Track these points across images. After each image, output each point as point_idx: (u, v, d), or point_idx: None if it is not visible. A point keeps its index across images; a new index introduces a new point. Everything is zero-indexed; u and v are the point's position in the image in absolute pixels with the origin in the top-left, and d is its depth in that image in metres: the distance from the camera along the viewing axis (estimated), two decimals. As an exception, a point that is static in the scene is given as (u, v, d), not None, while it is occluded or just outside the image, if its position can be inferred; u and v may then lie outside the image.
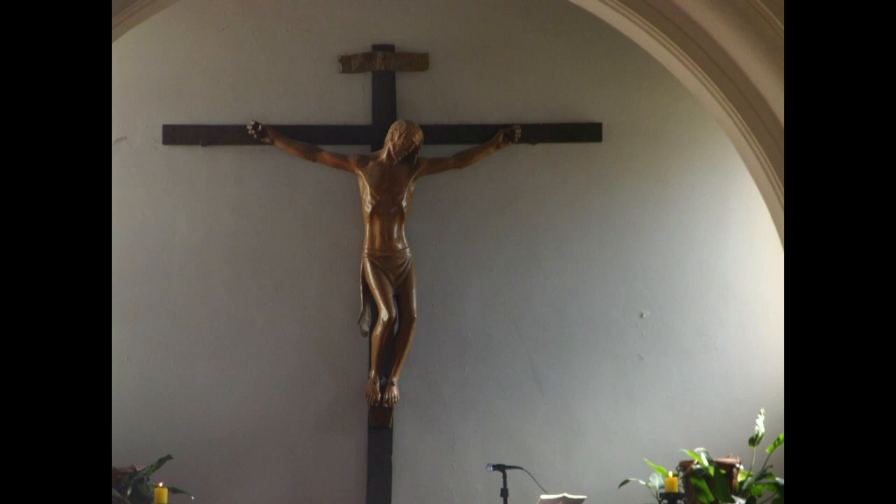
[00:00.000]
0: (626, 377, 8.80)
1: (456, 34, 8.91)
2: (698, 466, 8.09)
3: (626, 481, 8.21)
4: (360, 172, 8.67)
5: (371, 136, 8.80)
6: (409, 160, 8.66)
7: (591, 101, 8.90)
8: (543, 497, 7.74)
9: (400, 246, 8.63)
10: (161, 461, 8.17)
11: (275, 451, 8.67)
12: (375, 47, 8.86)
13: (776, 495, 8.08)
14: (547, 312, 8.83)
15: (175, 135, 8.80)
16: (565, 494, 7.74)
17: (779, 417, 8.27)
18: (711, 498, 8.02)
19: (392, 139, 8.60)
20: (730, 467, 8.09)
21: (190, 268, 8.76)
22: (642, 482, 8.23)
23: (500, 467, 7.53)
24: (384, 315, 8.52)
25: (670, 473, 8.10)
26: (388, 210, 8.59)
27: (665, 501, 8.06)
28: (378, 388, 8.57)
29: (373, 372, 8.60)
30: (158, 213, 8.77)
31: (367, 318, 8.66)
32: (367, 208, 8.61)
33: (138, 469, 8.09)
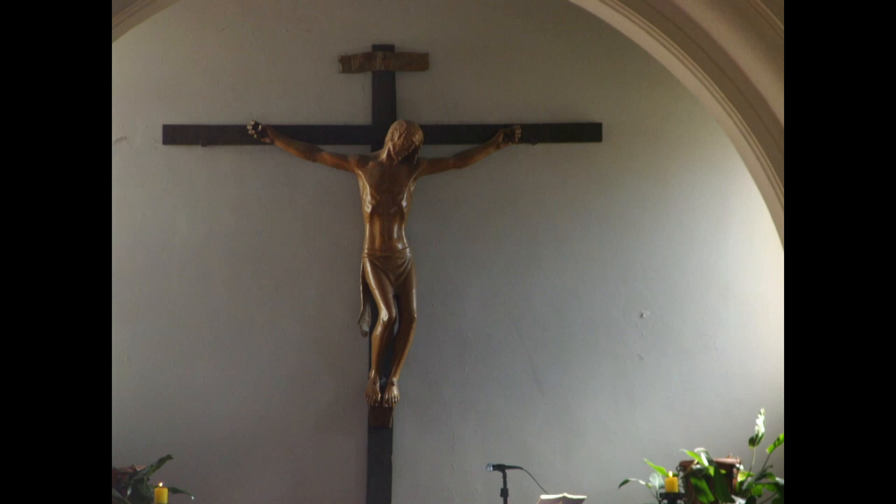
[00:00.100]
0: (626, 377, 8.80)
1: (456, 34, 8.91)
2: (698, 466, 8.08)
3: (626, 481, 8.21)
4: (360, 172, 8.68)
5: (371, 136, 8.80)
6: (409, 160, 8.66)
7: (591, 101, 8.90)
8: (543, 497, 7.74)
9: (400, 246, 8.63)
10: (161, 461, 8.17)
11: (275, 451, 8.67)
12: (375, 47, 8.86)
13: (776, 495, 8.08)
14: (547, 312, 8.83)
15: (175, 135, 8.80)
16: (565, 494, 7.74)
17: (779, 417, 8.27)
18: (711, 498, 8.02)
19: (392, 139, 8.60)
20: (730, 467, 8.09)
21: (190, 268, 8.76)
22: (642, 482, 8.23)
23: (500, 467, 7.53)
24: (384, 315, 8.52)
25: (670, 473, 8.10)
26: (388, 210, 8.59)
27: (665, 501, 8.06)
28: (378, 388, 8.57)
29: (373, 372, 8.60)
30: (158, 213, 8.77)
31: (367, 318, 8.66)
32: (367, 208, 8.61)
33: (138, 469, 8.09)
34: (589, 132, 8.88)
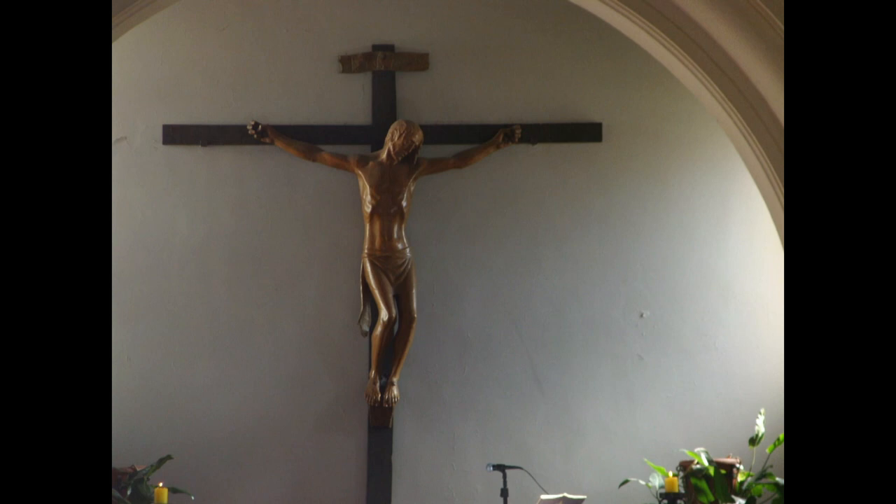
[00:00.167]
0: (626, 377, 8.80)
1: (456, 34, 8.91)
2: (698, 466, 8.08)
3: (626, 481, 8.21)
4: (360, 172, 8.67)
5: (371, 136, 8.80)
6: (409, 160, 8.66)
7: (591, 101, 8.90)
8: (543, 497, 7.74)
9: (400, 246, 8.63)
10: (161, 461, 8.17)
11: (275, 451, 8.67)
12: (375, 47, 8.86)
13: (776, 495, 8.08)
14: (547, 312, 8.83)
15: (175, 135, 8.80)
16: (565, 494, 7.74)
17: (779, 417, 8.27)
18: (711, 498, 8.02)
19: (392, 139, 8.60)
20: (730, 467, 8.09)
21: (190, 268, 8.76)
22: (642, 482, 8.23)
23: (500, 467, 7.53)
24: (384, 315, 8.52)
25: (670, 473, 8.10)
26: (388, 210, 8.59)
27: (665, 501, 8.06)
28: (378, 388, 8.57)
29: (373, 372, 8.60)
30: (158, 213, 8.77)
31: (367, 318, 8.66)
32: (367, 208, 8.61)
33: (138, 469, 8.09)
34: (589, 132, 8.88)
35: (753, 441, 8.26)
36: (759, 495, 8.12)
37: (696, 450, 8.14)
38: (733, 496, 8.02)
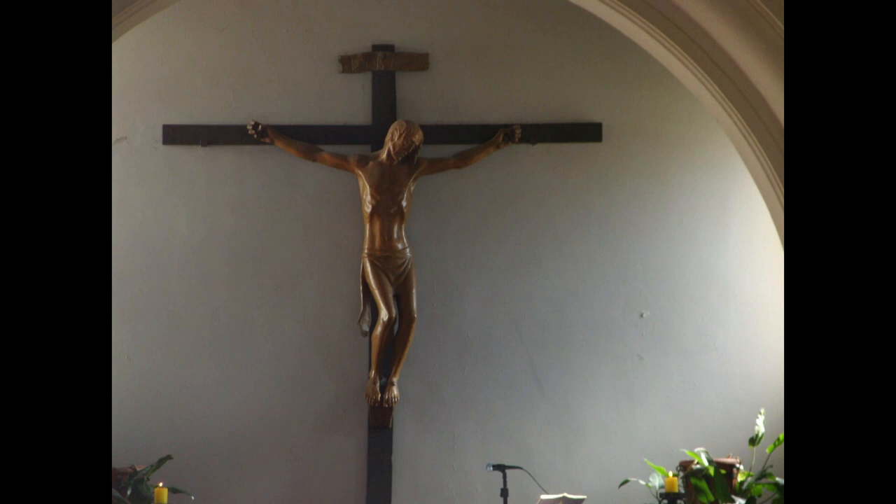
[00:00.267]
0: (626, 377, 8.80)
1: (456, 34, 8.91)
2: (698, 466, 8.08)
3: (626, 481, 8.21)
4: (360, 172, 8.68)
5: (371, 136, 8.80)
6: (409, 160, 8.66)
7: (591, 101, 8.90)
8: (543, 497, 7.74)
9: (400, 246, 8.63)
10: (161, 461, 8.17)
11: (275, 451, 8.67)
12: (375, 47, 8.86)
13: (776, 495, 8.08)
14: (547, 312, 8.83)
15: (175, 135, 8.80)
16: (565, 494, 7.74)
17: (779, 417, 8.26)
18: (711, 498, 8.02)
19: (392, 139, 8.60)
20: (730, 467, 8.09)
21: (190, 268, 8.76)
22: (642, 482, 8.23)
23: (500, 467, 7.53)
24: (384, 315, 8.52)
25: (670, 473, 8.10)
26: (388, 210, 8.59)
27: (665, 501, 8.06)
28: (378, 388, 8.57)
29: (373, 372, 8.60)
30: (158, 213, 8.77)
31: (367, 318, 8.66)
32: (367, 208, 8.61)
33: (138, 469, 8.09)
34: (589, 132, 8.88)
35: (753, 441, 8.26)
36: (759, 495, 8.12)
37: (696, 450, 8.14)
38: (733, 496, 8.02)
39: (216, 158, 8.83)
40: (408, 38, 8.90)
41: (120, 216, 8.56)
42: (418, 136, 8.60)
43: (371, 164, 8.67)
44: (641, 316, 8.84)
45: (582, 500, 7.78)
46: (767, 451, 8.21)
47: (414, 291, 8.65)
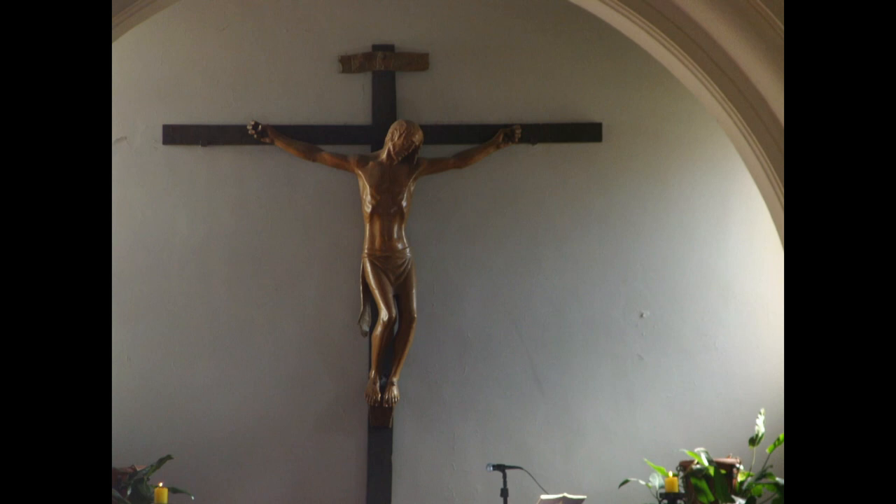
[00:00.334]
0: (626, 377, 8.80)
1: (456, 34, 8.91)
2: (698, 466, 8.08)
3: (626, 481, 8.21)
4: (360, 172, 8.68)
5: (371, 136, 8.80)
6: (409, 160, 8.66)
7: (591, 101, 8.90)
8: (543, 497, 7.74)
9: (400, 246, 8.63)
10: (161, 461, 8.17)
11: (275, 451, 8.67)
12: (375, 47, 8.86)
13: (776, 495, 8.08)
14: (547, 312, 8.83)
15: (175, 135, 8.80)
16: (565, 494, 7.74)
17: (779, 417, 8.26)
18: (711, 498, 8.02)
19: (392, 139, 8.60)
20: (730, 467, 8.09)
21: (190, 268, 8.76)
22: (642, 482, 8.23)
23: (500, 467, 7.53)
24: (384, 315, 8.52)
25: (670, 473, 8.10)
26: (388, 210, 8.59)
27: (665, 501, 8.06)
28: (378, 388, 8.57)
29: (373, 372, 8.60)
30: (158, 213, 8.77)
31: (367, 318, 8.66)
32: (367, 208, 8.61)
33: (138, 469, 8.09)
34: (589, 132, 8.88)
35: (753, 441, 8.26)
36: (759, 495, 8.12)
37: (696, 450, 8.14)
38: (733, 496, 8.02)
39: (216, 158, 8.83)
40: (408, 38, 8.90)
41: (120, 216, 8.56)
42: (418, 136, 8.60)
43: (371, 164, 8.67)
44: (641, 316, 8.84)
45: (582, 500, 7.78)
46: (767, 451, 8.21)
47: (414, 291, 8.65)
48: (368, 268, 8.60)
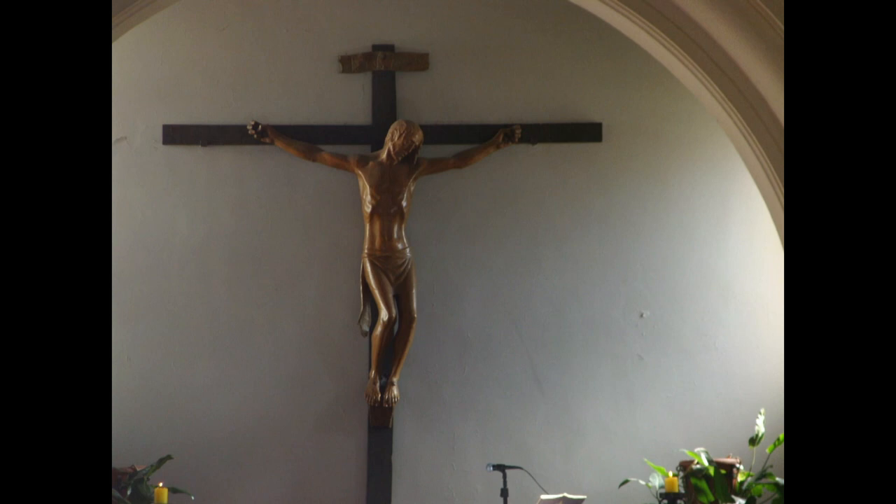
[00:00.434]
0: (626, 377, 8.80)
1: (456, 34, 8.91)
2: (698, 466, 8.08)
3: (626, 481, 8.21)
4: (360, 172, 8.68)
5: (371, 136, 8.80)
6: (409, 160, 8.66)
7: (591, 101, 8.90)
8: (543, 497, 7.74)
9: (400, 246, 8.63)
10: (161, 461, 8.17)
11: (275, 451, 8.67)
12: (375, 47, 8.86)
13: (776, 495, 8.08)
14: (547, 312, 8.83)
15: (175, 135, 8.80)
16: (565, 494, 7.74)
17: (779, 417, 8.26)
18: (711, 498, 8.02)
19: (392, 139, 8.60)
20: (730, 467, 8.09)
21: (190, 268, 8.76)
22: (642, 482, 8.23)
23: (500, 467, 7.53)
24: (384, 315, 8.52)
25: (670, 473, 8.10)
26: (388, 210, 8.59)
27: (665, 501, 8.06)
28: (378, 388, 8.57)
29: (373, 372, 8.60)
30: (158, 213, 8.77)
31: (367, 318, 8.66)
32: (367, 208, 8.61)
33: (138, 469, 8.09)
34: (589, 132, 8.88)
35: (753, 441, 8.26)
36: (759, 495, 8.12)
37: (696, 450, 8.14)
38: (733, 496, 8.02)
39: (216, 158, 8.83)
40: (408, 38, 8.90)
41: (120, 216, 8.56)
42: (418, 136, 8.60)
43: (371, 164, 8.68)
44: (641, 316, 8.84)
45: (582, 500, 7.78)
46: (767, 451, 8.21)
47: (414, 291, 8.66)
48: (368, 268, 8.60)
